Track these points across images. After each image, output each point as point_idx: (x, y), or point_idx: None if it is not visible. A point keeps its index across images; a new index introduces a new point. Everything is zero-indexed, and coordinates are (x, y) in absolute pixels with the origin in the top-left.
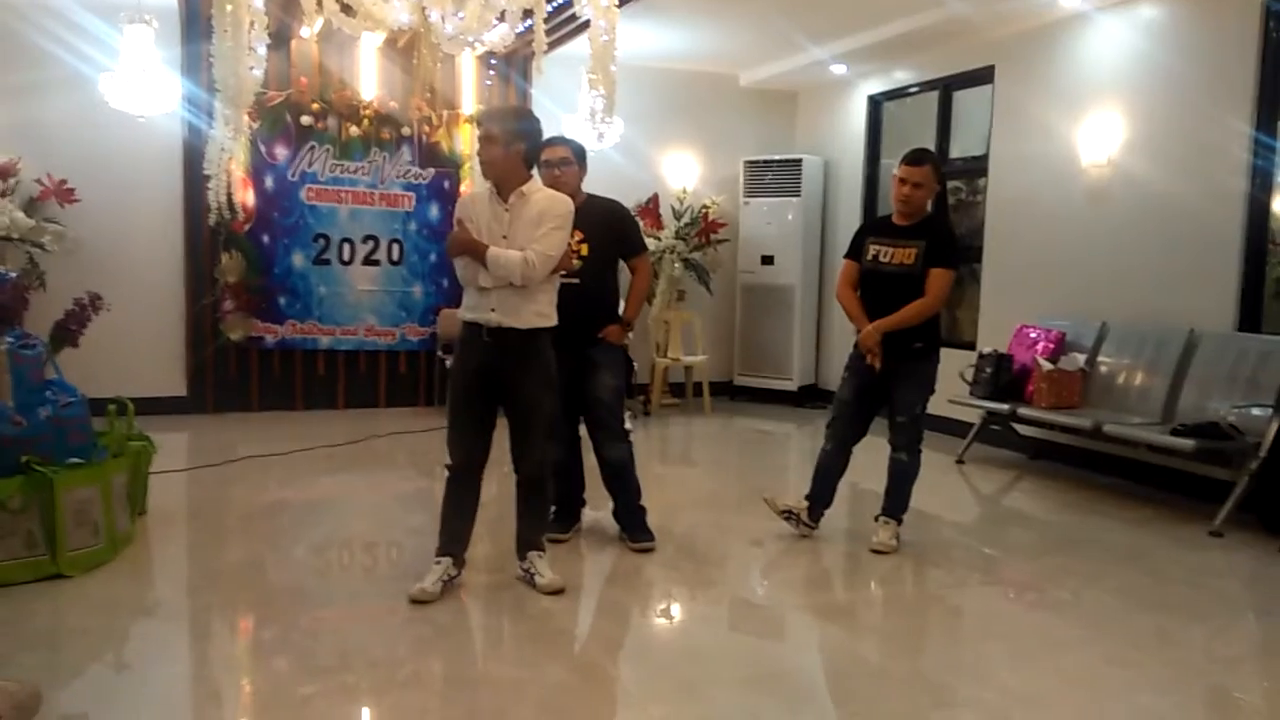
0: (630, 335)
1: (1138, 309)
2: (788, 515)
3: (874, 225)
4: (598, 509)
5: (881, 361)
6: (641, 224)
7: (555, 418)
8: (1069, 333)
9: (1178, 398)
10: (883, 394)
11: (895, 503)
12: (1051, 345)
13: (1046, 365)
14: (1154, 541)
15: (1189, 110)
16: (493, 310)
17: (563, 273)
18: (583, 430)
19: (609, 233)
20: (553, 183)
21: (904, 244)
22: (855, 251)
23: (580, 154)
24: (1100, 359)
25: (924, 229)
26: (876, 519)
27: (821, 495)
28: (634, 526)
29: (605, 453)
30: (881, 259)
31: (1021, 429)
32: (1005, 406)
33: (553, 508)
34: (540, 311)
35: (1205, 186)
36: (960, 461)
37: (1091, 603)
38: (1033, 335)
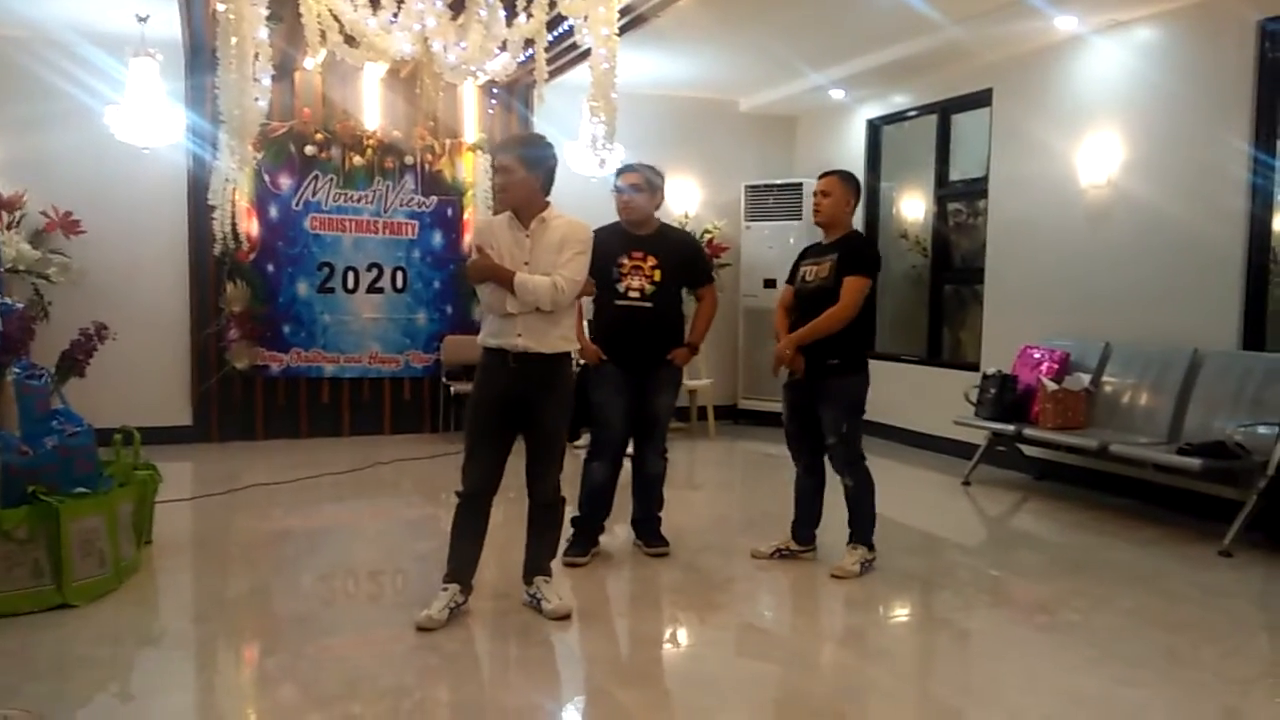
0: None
1: (1141, 329)
2: (779, 554)
3: (809, 249)
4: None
5: (804, 377)
6: None
7: (608, 440)
8: (1073, 353)
9: (1183, 417)
10: (814, 415)
11: (855, 526)
12: (1056, 365)
13: (1051, 385)
14: (1163, 562)
15: (1187, 130)
16: (519, 336)
17: (631, 295)
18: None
19: (682, 261)
20: (621, 206)
21: (823, 260)
22: (792, 276)
23: (652, 183)
24: (1105, 379)
25: (840, 243)
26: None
27: (803, 517)
28: (653, 534)
29: (648, 465)
30: (806, 278)
31: (1027, 450)
32: (1010, 427)
33: (572, 531)
34: (564, 336)
35: (1205, 205)
36: (966, 483)
37: (1101, 624)
38: (1036, 356)
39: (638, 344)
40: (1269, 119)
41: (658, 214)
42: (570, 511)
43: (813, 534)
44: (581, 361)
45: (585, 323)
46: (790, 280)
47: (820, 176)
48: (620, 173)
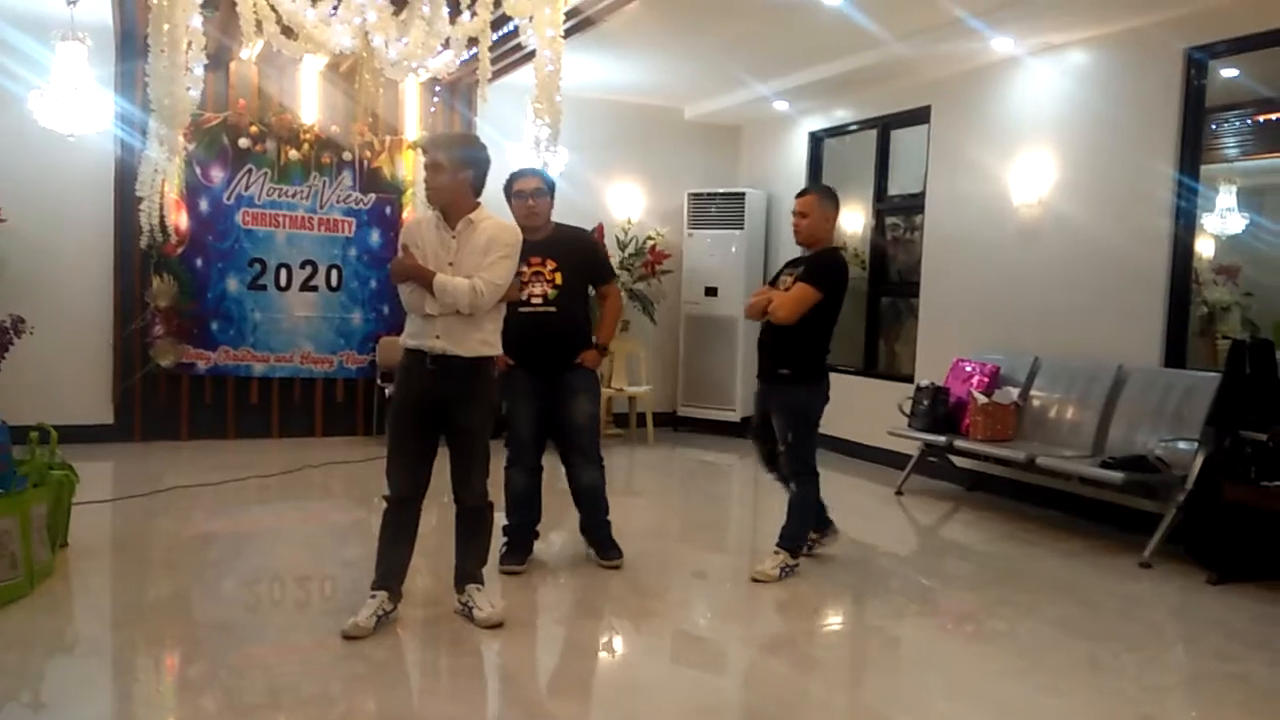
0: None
1: (1068, 344)
2: (807, 551)
3: (793, 260)
4: (552, 537)
5: (762, 383)
6: None
7: (522, 446)
8: (1003, 366)
9: (1107, 431)
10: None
11: (787, 532)
12: (986, 379)
13: (981, 398)
14: (1086, 572)
15: (1116, 152)
16: (437, 337)
17: (534, 300)
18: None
19: (580, 260)
20: (526, 213)
21: (795, 272)
22: (773, 283)
23: (551, 185)
24: (1033, 393)
25: (812, 257)
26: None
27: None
28: (604, 543)
29: (583, 477)
30: (781, 288)
31: (958, 461)
32: (942, 439)
33: (504, 540)
34: (485, 340)
35: (1132, 226)
36: (899, 493)
37: (1027, 633)
38: (968, 369)
39: (545, 349)
40: (1193, 144)
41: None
42: (501, 520)
43: (826, 518)
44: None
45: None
46: (772, 284)
47: (798, 196)
48: (518, 177)
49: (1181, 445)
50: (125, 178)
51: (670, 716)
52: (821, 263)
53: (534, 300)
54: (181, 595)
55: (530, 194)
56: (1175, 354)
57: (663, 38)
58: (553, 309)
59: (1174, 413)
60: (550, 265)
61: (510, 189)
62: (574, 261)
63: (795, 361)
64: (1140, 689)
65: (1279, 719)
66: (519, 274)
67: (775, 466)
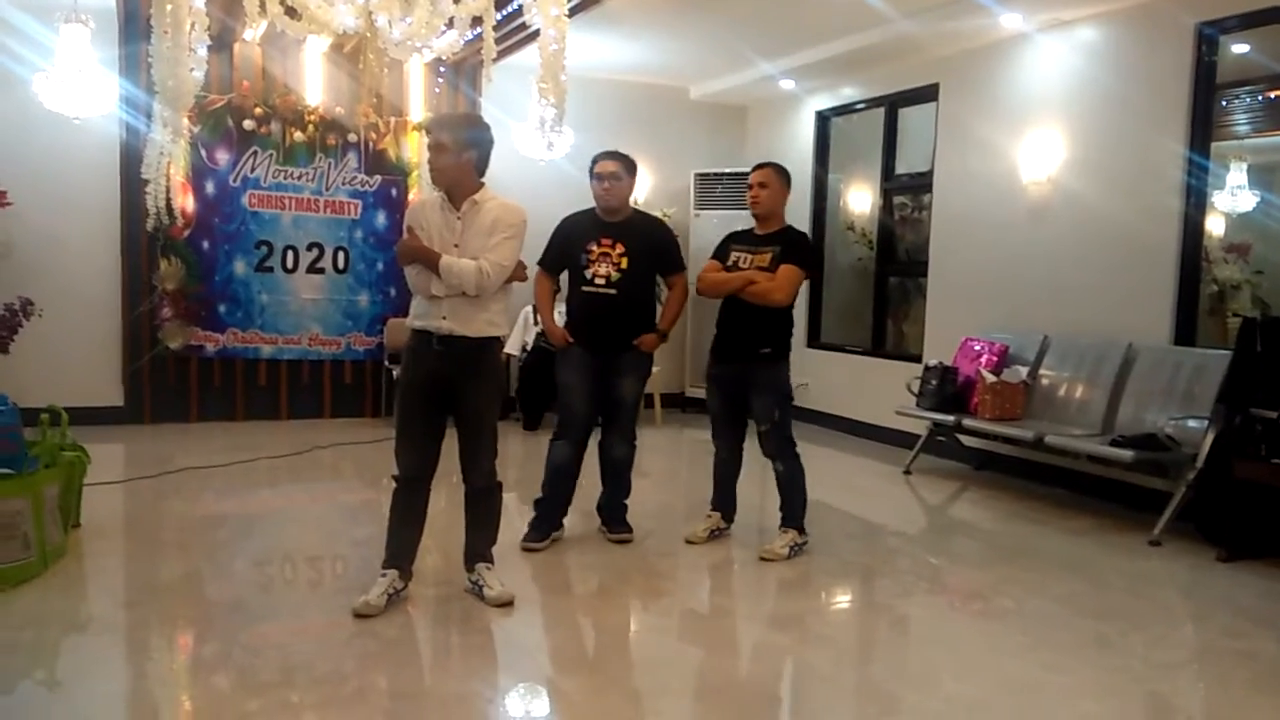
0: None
1: (1078, 323)
2: (714, 534)
3: (738, 235)
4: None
5: (734, 364)
6: None
7: (571, 421)
8: (1012, 345)
9: (1117, 410)
10: (745, 400)
11: (788, 511)
12: (995, 358)
13: (990, 377)
14: (1095, 551)
15: (1126, 130)
16: (444, 318)
17: (597, 281)
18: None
19: (651, 248)
20: (601, 194)
21: (761, 250)
22: (720, 257)
23: (632, 168)
24: (1042, 371)
25: (779, 236)
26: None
27: (727, 498)
28: (618, 520)
29: (616, 451)
30: (741, 264)
31: (966, 440)
32: (950, 418)
33: (533, 514)
34: (491, 320)
35: (1142, 204)
36: (907, 472)
37: (1034, 611)
38: (977, 348)
39: (601, 329)
40: (1204, 121)
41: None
42: (534, 493)
43: (732, 513)
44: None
45: (561, 307)
46: (720, 259)
47: (755, 168)
48: (597, 160)
49: (1191, 423)
50: (130, 160)
51: (679, 693)
52: (801, 241)
53: (597, 281)
54: (193, 575)
55: (607, 177)
56: (1185, 332)
57: (668, 16)
58: (613, 290)
59: (1184, 391)
60: (619, 249)
61: (591, 170)
62: (644, 248)
63: (776, 339)
64: (1148, 666)
65: None
66: (587, 252)
67: (738, 456)
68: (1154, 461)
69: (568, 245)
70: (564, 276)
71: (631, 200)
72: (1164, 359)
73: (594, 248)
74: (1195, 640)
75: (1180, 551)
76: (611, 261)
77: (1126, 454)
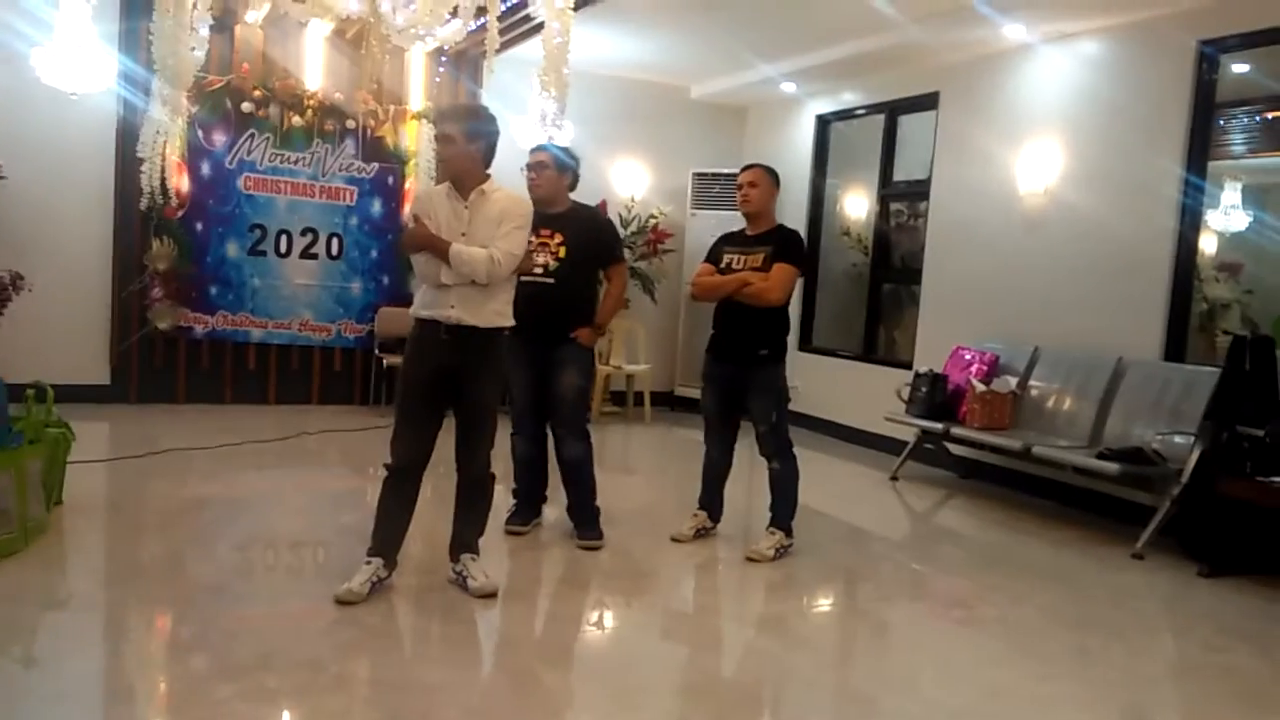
0: (599, 339)
1: (1069, 335)
2: (700, 533)
3: (729, 236)
4: (554, 507)
5: (731, 365)
6: None
7: (520, 414)
8: (1002, 355)
9: (1104, 423)
10: (741, 401)
11: (778, 511)
12: (985, 367)
13: (980, 386)
14: (1078, 562)
15: (1124, 145)
16: (452, 307)
17: (535, 271)
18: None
19: (589, 239)
20: (529, 184)
21: (754, 250)
22: (713, 259)
23: (561, 162)
24: (1031, 382)
25: (771, 236)
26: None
27: (715, 498)
28: (584, 523)
29: (564, 450)
30: (735, 265)
31: (954, 448)
32: (939, 425)
33: (513, 501)
34: (499, 311)
35: (1137, 220)
36: (894, 478)
37: (1017, 620)
38: (967, 357)
39: (540, 320)
40: (1201, 140)
41: (574, 194)
42: (510, 485)
43: (719, 513)
44: None
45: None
46: (713, 261)
47: (744, 168)
48: (530, 151)
49: (1178, 439)
50: (127, 138)
51: (660, 690)
52: (794, 239)
53: (535, 271)
54: (175, 556)
55: (534, 166)
56: (1175, 348)
57: (672, 14)
58: (550, 280)
59: (1172, 406)
60: (557, 239)
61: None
62: (582, 239)
63: (773, 340)
64: (1128, 677)
65: (1266, 709)
66: (527, 243)
67: (728, 456)
68: (1139, 475)
69: None
70: None
71: (630, 199)
72: (1153, 374)
73: (532, 239)
74: (1176, 653)
75: (1163, 566)
76: (550, 251)
77: (1112, 467)
